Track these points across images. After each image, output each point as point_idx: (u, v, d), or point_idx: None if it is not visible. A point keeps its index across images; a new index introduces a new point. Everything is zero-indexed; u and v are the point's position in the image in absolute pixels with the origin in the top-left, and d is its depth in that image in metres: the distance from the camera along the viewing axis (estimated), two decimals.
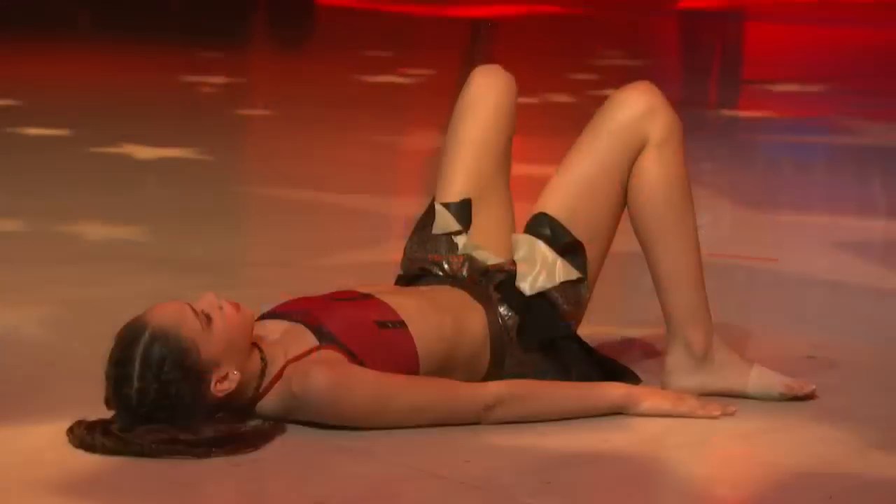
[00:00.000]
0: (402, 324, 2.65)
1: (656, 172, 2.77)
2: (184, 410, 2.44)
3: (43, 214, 4.14)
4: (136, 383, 2.42)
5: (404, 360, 2.63)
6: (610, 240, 2.83)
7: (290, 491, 2.34)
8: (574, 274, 2.77)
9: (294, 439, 2.50)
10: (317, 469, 2.41)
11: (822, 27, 9.71)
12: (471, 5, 10.77)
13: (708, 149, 5.56)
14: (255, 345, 2.56)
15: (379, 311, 2.66)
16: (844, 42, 9.25)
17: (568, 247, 2.77)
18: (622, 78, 7.30)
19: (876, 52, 8.68)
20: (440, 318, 2.70)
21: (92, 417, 2.46)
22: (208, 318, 2.49)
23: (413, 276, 2.90)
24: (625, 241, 2.88)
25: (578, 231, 2.78)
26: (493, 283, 2.79)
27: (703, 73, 8.33)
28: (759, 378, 2.77)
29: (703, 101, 6.79)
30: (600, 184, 2.79)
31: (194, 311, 2.48)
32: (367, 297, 2.70)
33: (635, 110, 2.78)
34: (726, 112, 6.24)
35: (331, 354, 2.56)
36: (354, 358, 2.57)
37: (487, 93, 2.93)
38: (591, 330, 2.90)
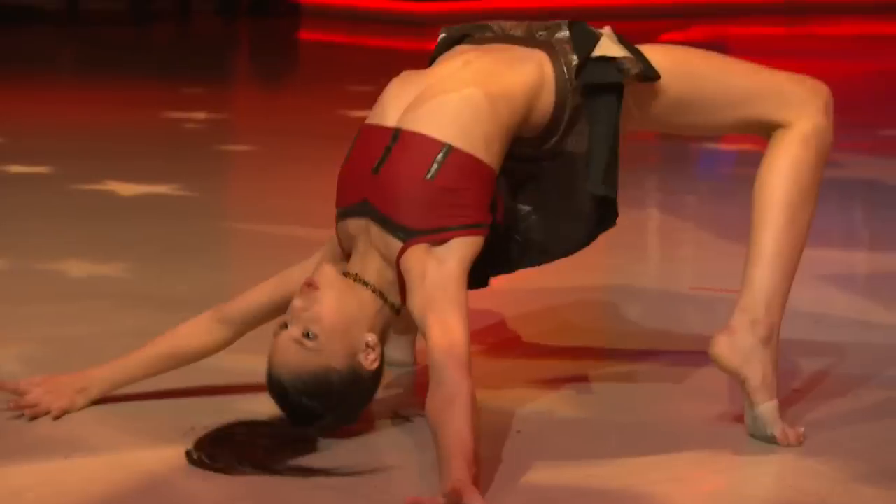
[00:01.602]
0: (450, 149, 2.56)
1: (807, 157, 2.73)
2: (368, 396, 2.64)
3: (25, 253, 4.13)
4: (329, 417, 2.59)
5: (472, 180, 2.56)
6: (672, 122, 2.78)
7: None
8: (652, 72, 2.69)
9: (273, 477, 2.50)
10: None
11: (803, 59, 9.77)
12: None
13: (691, 182, 5.57)
14: (361, 281, 2.59)
15: (421, 155, 2.57)
16: (825, 74, 9.30)
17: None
18: None
19: (856, 84, 8.73)
20: (484, 94, 2.59)
21: (74, 458, 2.46)
22: (307, 335, 2.54)
23: (454, 39, 2.81)
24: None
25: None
26: (560, 31, 2.72)
27: None
28: (772, 410, 2.73)
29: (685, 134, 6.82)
30: (712, 94, 2.75)
31: (294, 339, 2.55)
32: (398, 136, 2.60)
33: (814, 94, 2.77)
34: (709, 145, 6.27)
35: (416, 256, 2.53)
36: (437, 233, 2.53)
37: None
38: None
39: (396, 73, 2.80)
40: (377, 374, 2.62)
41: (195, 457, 2.52)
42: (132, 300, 3.66)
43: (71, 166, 5.43)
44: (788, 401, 2.93)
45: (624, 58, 2.69)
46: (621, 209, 2.80)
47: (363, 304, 2.60)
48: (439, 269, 2.53)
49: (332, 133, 6.37)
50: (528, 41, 2.74)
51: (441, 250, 2.55)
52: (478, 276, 2.71)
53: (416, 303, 2.54)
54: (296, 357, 2.55)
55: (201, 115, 6.79)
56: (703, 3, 12.63)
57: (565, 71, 2.69)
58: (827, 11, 12.57)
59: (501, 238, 2.73)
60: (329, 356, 2.55)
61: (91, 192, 5.00)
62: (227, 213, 5.07)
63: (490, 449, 2.65)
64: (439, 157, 2.57)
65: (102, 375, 2.79)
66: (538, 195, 2.77)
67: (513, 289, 3.51)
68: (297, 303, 2.57)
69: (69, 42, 10.30)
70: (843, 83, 8.86)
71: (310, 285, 2.57)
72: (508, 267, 2.82)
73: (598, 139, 2.69)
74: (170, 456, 2.60)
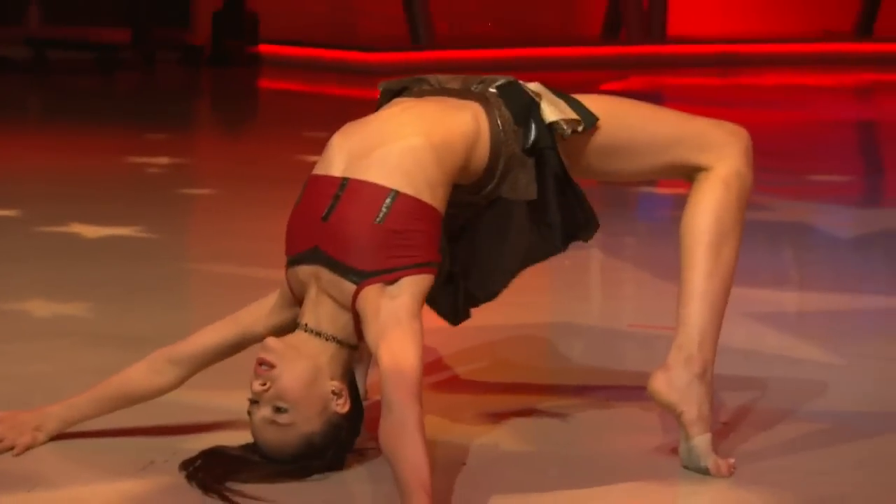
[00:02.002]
0: (397, 194, 2.56)
1: (727, 198, 2.74)
2: (352, 437, 2.65)
3: None
4: (322, 467, 2.62)
5: (420, 222, 2.56)
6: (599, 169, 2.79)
7: None
8: (589, 121, 2.70)
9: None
10: None
11: (732, 109, 9.86)
12: None
13: (630, 224, 5.60)
14: (312, 332, 2.58)
15: (369, 200, 2.57)
16: (755, 123, 9.37)
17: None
18: None
19: (785, 132, 8.80)
20: (427, 142, 2.59)
21: (36, 492, 2.43)
22: (278, 409, 2.55)
23: (394, 92, 2.80)
24: None
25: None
26: (493, 85, 2.72)
27: None
28: (706, 442, 2.73)
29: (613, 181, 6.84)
30: (640, 140, 2.77)
31: (268, 420, 2.56)
32: (346, 184, 2.60)
33: (734, 138, 2.78)
34: (646, 189, 6.31)
35: (370, 296, 2.53)
36: (388, 273, 2.53)
37: None
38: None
39: (350, 119, 2.80)
40: (353, 413, 2.63)
41: (191, 471, 2.58)
42: (95, 339, 3.63)
43: (37, 209, 5.39)
44: (719, 433, 2.94)
45: (560, 121, 2.70)
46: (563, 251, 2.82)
47: (317, 357, 2.60)
48: (392, 302, 2.54)
49: (289, 177, 6.34)
50: (463, 94, 2.75)
51: (393, 288, 2.55)
52: (458, 312, 2.81)
53: (371, 337, 2.54)
54: (275, 436, 2.58)
55: (164, 161, 6.76)
56: (641, 54, 12.73)
57: (499, 123, 2.70)
58: (757, 63, 12.71)
59: (447, 282, 2.75)
60: (304, 422, 2.57)
61: (56, 235, 4.96)
62: (187, 254, 5.05)
63: (437, 481, 2.64)
64: (387, 201, 2.57)
65: (57, 413, 2.77)
66: (476, 239, 2.79)
67: (456, 327, 3.50)
68: (257, 385, 2.57)
69: (37, 90, 10.25)
70: (771, 131, 8.94)
71: (262, 364, 2.57)
72: (456, 311, 2.85)
73: (549, 190, 2.71)
74: (128, 489, 2.58)
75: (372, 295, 2.54)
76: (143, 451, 2.75)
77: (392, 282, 2.55)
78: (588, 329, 3.98)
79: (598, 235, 2.89)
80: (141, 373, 2.77)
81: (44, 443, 2.75)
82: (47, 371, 3.33)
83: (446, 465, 2.74)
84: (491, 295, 2.84)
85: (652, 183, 6.93)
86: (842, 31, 14.21)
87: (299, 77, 11.31)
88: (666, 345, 2.83)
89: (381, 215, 2.56)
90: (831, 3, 14.40)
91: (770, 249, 5.17)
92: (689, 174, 2.81)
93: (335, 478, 2.64)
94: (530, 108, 2.70)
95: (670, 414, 2.77)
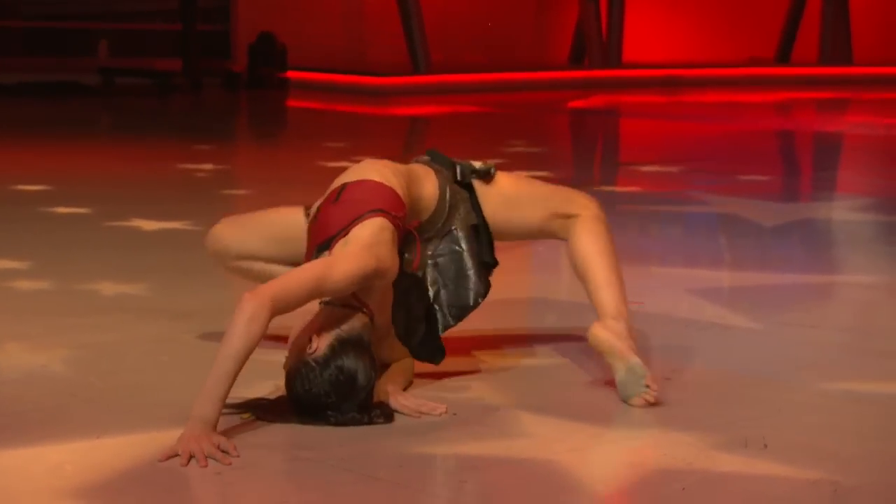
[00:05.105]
0: (346, 184, 2.82)
1: (600, 228, 3.04)
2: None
3: (67, 275, 4.09)
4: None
5: (371, 192, 2.79)
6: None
7: (260, 494, 2.32)
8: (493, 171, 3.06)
9: (262, 450, 2.49)
10: (281, 476, 2.39)
11: (679, 122, 9.87)
12: (408, 106, 10.83)
13: None
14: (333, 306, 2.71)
15: (331, 196, 2.84)
16: (696, 133, 9.39)
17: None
18: (526, 161, 7.36)
19: (720, 141, 8.81)
20: (373, 159, 2.94)
21: (104, 438, 2.44)
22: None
23: None
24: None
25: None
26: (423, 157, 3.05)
27: (588, 158, 8.40)
28: (641, 363, 2.83)
29: (588, 180, 6.84)
30: (527, 193, 3.08)
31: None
32: (323, 200, 2.86)
33: (592, 199, 3.11)
34: (606, 188, 6.31)
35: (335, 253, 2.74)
36: (341, 233, 2.73)
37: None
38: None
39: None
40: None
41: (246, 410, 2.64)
42: (152, 313, 3.64)
43: (104, 207, 5.39)
44: (663, 386, 2.95)
45: (478, 166, 3.07)
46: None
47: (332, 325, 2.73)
48: (345, 247, 2.70)
49: (313, 180, 6.36)
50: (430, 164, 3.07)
51: (347, 238, 2.72)
52: (432, 348, 2.93)
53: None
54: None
55: (209, 167, 6.76)
56: (602, 77, 12.73)
57: (444, 171, 3.02)
58: (696, 84, 12.72)
59: (428, 313, 2.94)
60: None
61: (120, 228, 4.97)
62: None
63: (432, 428, 2.65)
64: (341, 189, 2.83)
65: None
66: (438, 273, 2.98)
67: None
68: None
69: (105, 110, 10.24)
70: (708, 139, 8.94)
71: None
72: (437, 330, 2.99)
73: (482, 222, 3.03)
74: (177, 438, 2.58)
75: (336, 251, 2.71)
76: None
77: (346, 235, 2.72)
78: (559, 302, 3.99)
79: None
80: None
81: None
82: (114, 339, 3.33)
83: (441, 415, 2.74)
84: (466, 306, 2.98)
85: (611, 183, 6.95)
86: (765, 57, 14.22)
87: (320, 97, 11.30)
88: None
89: (337, 197, 2.82)
90: (756, 35, 14.41)
91: (707, 237, 5.17)
92: (562, 226, 3.07)
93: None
94: (454, 161, 3.06)
95: (609, 355, 2.82)
